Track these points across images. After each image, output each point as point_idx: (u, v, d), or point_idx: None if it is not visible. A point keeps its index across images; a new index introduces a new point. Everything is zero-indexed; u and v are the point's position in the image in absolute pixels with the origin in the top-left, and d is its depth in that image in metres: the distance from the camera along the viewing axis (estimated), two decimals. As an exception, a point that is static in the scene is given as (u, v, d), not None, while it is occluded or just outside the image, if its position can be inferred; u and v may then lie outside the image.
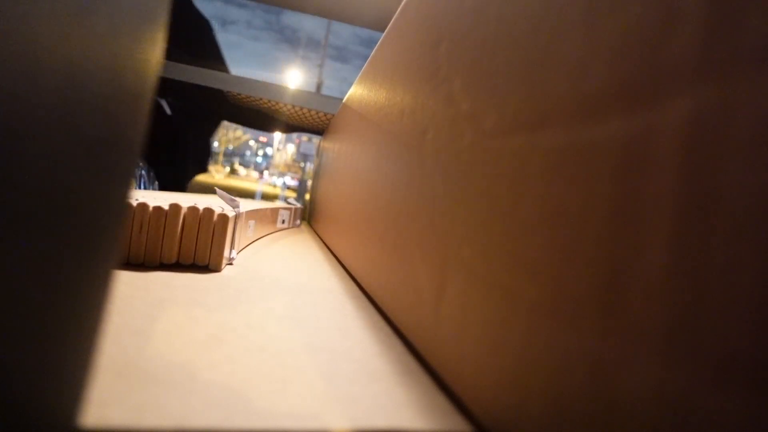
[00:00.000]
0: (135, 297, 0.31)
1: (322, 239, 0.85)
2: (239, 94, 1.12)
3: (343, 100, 0.80)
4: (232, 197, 0.51)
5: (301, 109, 1.13)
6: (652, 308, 0.12)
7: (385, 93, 0.44)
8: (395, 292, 0.32)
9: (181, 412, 0.17)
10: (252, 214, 0.60)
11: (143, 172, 1.21)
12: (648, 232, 0.12)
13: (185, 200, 0.48)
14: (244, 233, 0.56)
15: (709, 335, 0.10)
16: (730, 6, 0.11)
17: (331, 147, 0.91)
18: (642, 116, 0.13)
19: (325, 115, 1.12)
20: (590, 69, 0.15)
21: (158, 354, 0.22)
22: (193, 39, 1.44)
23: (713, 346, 0.10)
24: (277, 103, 1.14)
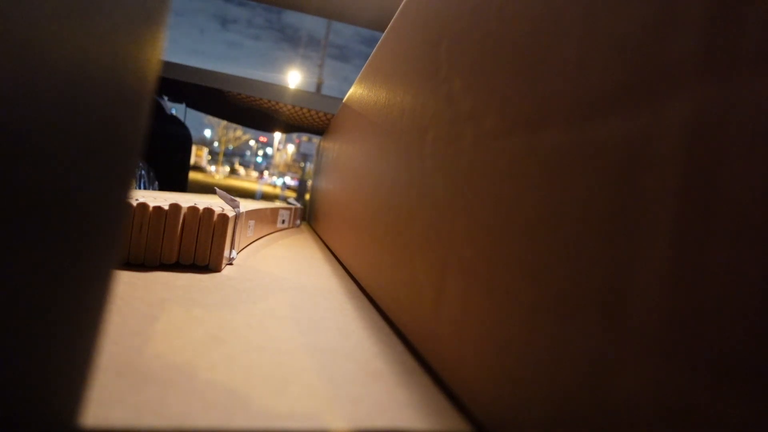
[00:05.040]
0: (135, 297, 0.31)
1: (322, 239, 0.85)
2: (239, 94, 1.12)
3: (343, 100, 0.80)
4: (232, 197, 0.51)
5: (301, 109, 1.13)
6: (652, 308, 0.12)
7: (385, 93, 0.44)
8: (395, 292, 0.32)
9: (181, 412, 0.17)
10: (252, 214, 0.60)
11: (143, 172, 1.21)
12: (648, 232, 0.12)
13: (185, 200, 0.48)
14: (244, 233, 0.56)
15: (709, 335, 0.10)
16: (730, 6, 0.11)
17: (331, 147, 0.91)
18: (642, 116, 0.13)
19: (325, 115, 1.13)
20: (590, 69, 0.15)
21: (158, 354, 0.22)
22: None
23: (713, 346, 0.10)
24: (277, 103, 1.14)
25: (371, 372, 0.24)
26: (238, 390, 0.20)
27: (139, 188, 1.16)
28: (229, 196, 0.51)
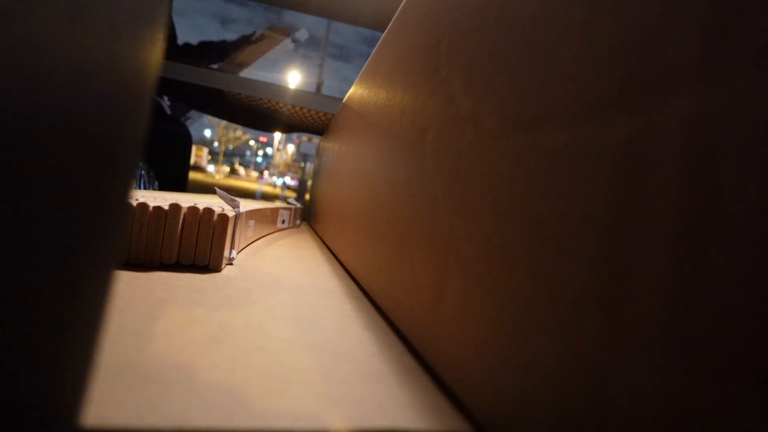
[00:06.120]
0: (135, 297, 0.31)
1: (322, 239, 0.85)
2: (239, 94, 1.12)
3: (343, 100, 0.80)
4: (232, 197, 0.51)
5: (301, 109, 1.13)
6: (652, 308, 0.12)
7: (385, 93, 0.44)
8: (395, 292, 0.32)
9: (181, 412, 0.17)
10: (252, 214, 0.60)
11: (143, 172, 1.21)
12: (648, 232, 0.12)
13: (185, 200, 0.48)
14: (244, 233, 0.56)
15: (708, 335, 0.10)
16: (730, 6, 0.11)
17: (331, 147, 0.91)
18: (642, 116, 0.13)
19: (325, 115, 1.12)
20: (590, 69, 0.15)
21: (158, 354, 0.22)
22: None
23: (713, 346, 0.10)
24: (277, 103, 1.14)
25: (371, 372, 0.24)
26: (238, 390, 0.20)
27: (139, 188, 1.16)
28: (229, 196, 0.51)
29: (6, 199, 0.10)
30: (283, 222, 0.88)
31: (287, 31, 1.45)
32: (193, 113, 1.72)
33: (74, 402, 0.14)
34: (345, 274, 0.54)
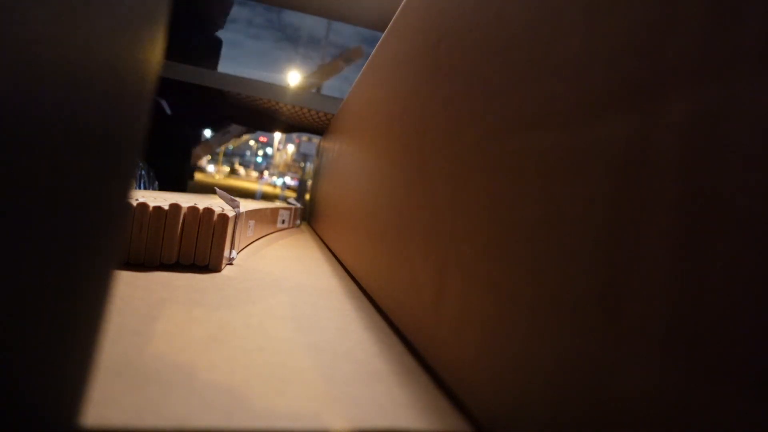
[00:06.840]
0: (135, 297, 0.31)
1: (322, 239, 0.85)
2: (239, 94, 1.12)
3: (344, 100, 0.80)
4: (232, 197, 0.51)
5: (301, 109, 1.13)
6: (652, 308, 0.12)
7: (385, 93, 0.44)
8: (395, 292, 0.32)
9: (180, 412, 0.17)
10: (252, 214, 0.60)
11: (143, 172, 1.21)
12: (648, 232, 0.12)
13: (185, 200, 0.48)
14: (244, 233, 0.56)
15: (709, 335, 0.10)
16: (730, 6, 0.11)
17: (331, 147, 0.91)
18: (642, 116, 0.13)
19: (325, 115, 1.12)
20: (590, 69, 0.15)
21: (158, 354, 0.22)
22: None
23: (713, 346, 0.10)
24: (277, 103, 1.14)
25: (371, 372, 0.24)
26: (238, 390, 0.20)
27: (139, 188, 1.16)
28: (229, 196, 0.51)
29: (6, 199, 0.10)
30: (283, 222, 0.88)
31: (357, 53, 1.62)
32: (232, 129, 1.78)
33: (74, 402, 0.14)
34: (345, 274, 0.54)
